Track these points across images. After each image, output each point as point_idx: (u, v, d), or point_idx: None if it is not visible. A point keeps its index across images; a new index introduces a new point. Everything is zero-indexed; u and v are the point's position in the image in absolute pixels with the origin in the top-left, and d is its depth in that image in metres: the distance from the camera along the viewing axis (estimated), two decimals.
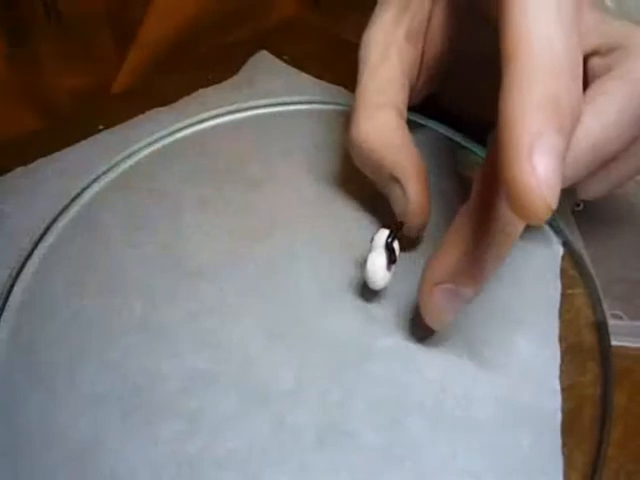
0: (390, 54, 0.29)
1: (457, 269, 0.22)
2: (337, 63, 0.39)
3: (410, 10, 0.30)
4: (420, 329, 0.25)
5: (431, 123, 0.35)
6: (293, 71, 0.41)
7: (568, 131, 0.19)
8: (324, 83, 0.40)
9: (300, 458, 0.22)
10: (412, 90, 0.30)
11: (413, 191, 0.26)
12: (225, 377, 0.24)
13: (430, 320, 0.24)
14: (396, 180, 0.27)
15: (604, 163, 0.25)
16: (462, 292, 0.22)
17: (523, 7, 0.20)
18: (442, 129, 0.35)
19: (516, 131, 0.18)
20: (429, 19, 0.30)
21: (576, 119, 0.20)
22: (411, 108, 0.30)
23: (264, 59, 0.42)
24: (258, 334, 0.25)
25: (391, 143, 0.27)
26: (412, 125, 0.30)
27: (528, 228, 0.27)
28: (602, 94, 0.24)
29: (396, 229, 0.25)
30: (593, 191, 0.27)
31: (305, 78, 0.40)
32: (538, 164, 0.18)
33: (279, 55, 0.42)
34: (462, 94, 0.30)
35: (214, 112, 0.36)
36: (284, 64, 0.41)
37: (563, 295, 0.28)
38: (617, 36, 0.25)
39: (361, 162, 0.29)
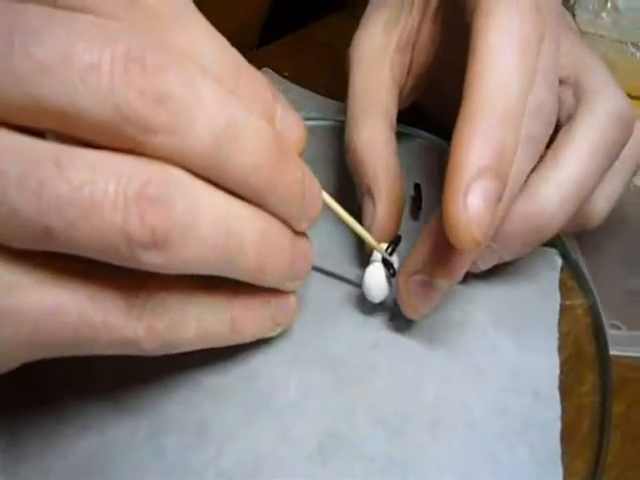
0: (382, 63, 0.30)
1: (430, 261, 0.23)
2: (337, 78, 0.39)
3: (401, 20, 0.31)
4: (419, 341, 0.26)
5: (417, 132, 0.36)
6: (294, 87, 0.41)
7: (506, 177, 0.21)
8: (324, 99, 0.40)
9: (304, 468, 0.22)
10: (400, 96, 0.31)
11: (381, 212, 0.27)
12: (229, 390, 0.24)
13: (406, 310, 0.25)
14: (371, 195, 0.28)
15: (585, 200, 0.26)
16: (436, 283, 0.23)
17: (489, 47, 0.21)
18: (429, 138, 0.36)
19: (459, 168, 0.20)
20: (418, 30, 0.31)
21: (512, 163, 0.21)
22: (399, 118, 0.31)
23: (266, 76, 0.42)
24: (260, 348, 0.25)
25: (376, 160, 0.28)
26: (400, 135, 0.30)
27: None
28: (570, 142, 0.25)
29: (394, 243, 0.26)
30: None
31: (306, 94, 0.41)
32: (471, 204, 0.20)
33: (280, 72, 0.43)
34: (447, 103, 0.31)
35: None
36: (285, 80, 0.42)
37: (562, 306, 0.28)
38: (578, 69, 0.26)
39: (350, 168, 0.30)
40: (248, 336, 0.23)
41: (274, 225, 0.21)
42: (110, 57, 0.15)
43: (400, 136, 0.31)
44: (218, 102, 0.17)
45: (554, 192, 0.24)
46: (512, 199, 0.23)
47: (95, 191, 0.16)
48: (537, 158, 0.24)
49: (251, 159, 0.18)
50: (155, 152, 0.17)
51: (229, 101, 0.18)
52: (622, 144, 0.25)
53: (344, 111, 0.33)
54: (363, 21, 0.32)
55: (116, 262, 0.17)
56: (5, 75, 0.15)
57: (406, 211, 0.32)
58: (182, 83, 0.17)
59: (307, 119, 0.37)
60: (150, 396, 0.24)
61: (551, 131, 0.24)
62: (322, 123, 0.38)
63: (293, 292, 0.24)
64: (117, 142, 0.16)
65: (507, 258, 0.26)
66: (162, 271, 0.18)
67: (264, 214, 0.20)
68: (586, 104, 0.25)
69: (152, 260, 0.17)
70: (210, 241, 0.18)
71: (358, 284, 0.27)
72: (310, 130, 0.36)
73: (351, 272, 0.29)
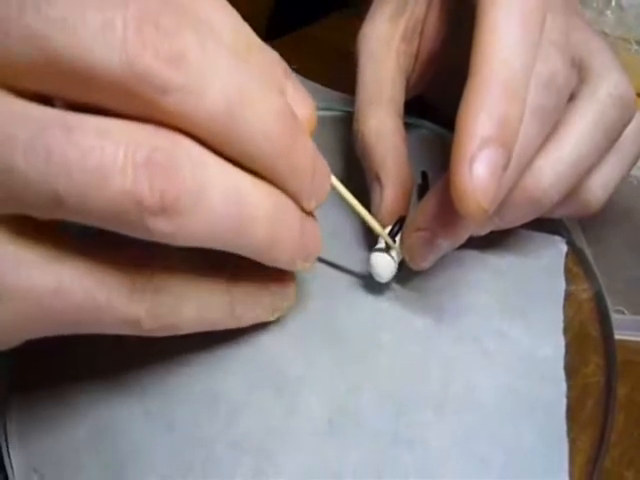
0: (389, 52, 0.31)
1: (435, 221, 0.24)
2: (342, 72, 0.40)
3: (407, 10, 0.31)
4: (425, 322, 0.26)
5: (421, 122, 0.37)
6: (302, 80, 0.42)
7: (512, 146, 0.21)
8: (331, 91, 0.41)
9: (312, 441, 0.22)
10: (407, 85, 0.32)
11: (388, 195, 0.28)
12: (238, 363, 0.24)
13: (409, 261, 0.26)
14: (379, 181, 0.28)
15: (581, 179, 0.26)
16: (438, 242, 0.24)
17: (492, 25, 0.22)
18: (433, 128, 0.37)
19: (465, 138, 0.21)
20: (424, 19, 0.31)
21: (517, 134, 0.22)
22: (404, 111, 0.31)
23: None
24: (267, 324, 0.25)
25: (384, 146, 0.29)
26: (405, 125, 0.31)
27: (533, 226, 0.28)
28: (570, 120, 0.25)
29: (399, 223, 0.26)
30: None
31: (313, 86, 0.41)
32: (476, 172, 0.20)
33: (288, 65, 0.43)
34: (454, 95, 0.31)
35: None
36: (293, 73, 0.42)
37: (567, 291, 0.28)
38: (583, 50, 0.26)
39: (359, 155, 0.30)
40: (246, 321, 0.23)
41: (285, 201, 0.21)
42: (122, 18, 0.15)
43: (405, 126, 0.31)
44: (231, 68, 0.17)
45: (551, 167, 0.24)
46: (521, 168, 0.23)
47: (104, 156, 0.16)
48: (549, 128, 0.24)
49: (263, 126, 0.18)
50: (166, 114, 0.17)
51: (241, 69, 0.18)
52: (622, 126, 0.26)
53: (351, 102, 0.33)
54: (370, 13, 0.32)
55: (126, 231, 0.17)
56: (17, 32, 0.15)
57: (414, 199, 0.32)
58: (196, 45, 0.17)
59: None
60: (160, 368, 0.24)
61: (564, 102, 0.24)
62: (329, 113, 0.38)
63: (293, 279, 0.24)
64: (128, 103, 0.16)
65: (503, 226, 0.26)
66: (171, 242, 0.17)
67: (275, 190, 0.20)
68: (588, 84, 0.26)
69: (161, 228, 0.17)
70: (220, 211, 0.18)
71: (365, 268, 0.27)
72: (318, 120, 0.37)
73: (359, 254, 0.29)
